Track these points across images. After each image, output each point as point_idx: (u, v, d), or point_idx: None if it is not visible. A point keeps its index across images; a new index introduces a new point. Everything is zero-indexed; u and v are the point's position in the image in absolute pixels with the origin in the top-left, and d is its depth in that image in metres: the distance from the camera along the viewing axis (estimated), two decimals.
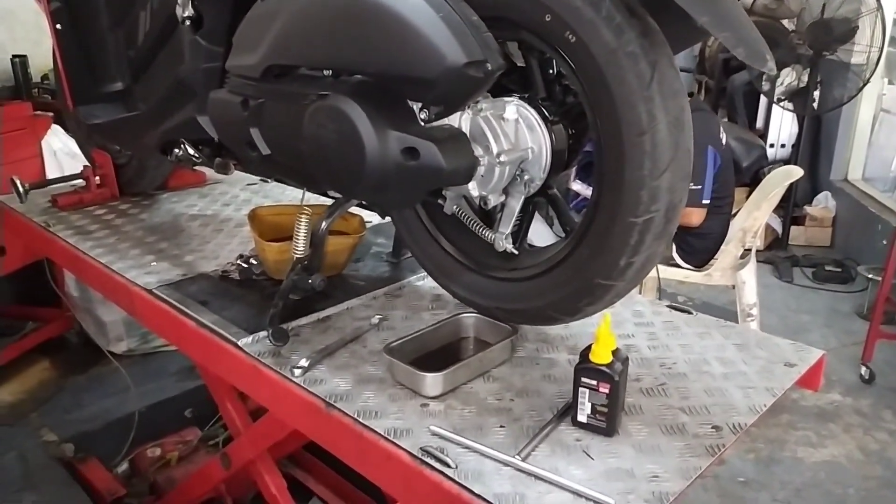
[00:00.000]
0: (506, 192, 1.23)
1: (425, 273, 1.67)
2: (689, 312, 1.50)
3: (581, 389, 1.07)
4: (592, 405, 1.07)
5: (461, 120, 1.16)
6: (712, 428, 1.11)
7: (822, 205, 4.96)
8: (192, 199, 2.36)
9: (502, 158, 1.14)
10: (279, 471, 1.77)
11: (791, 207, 4.66)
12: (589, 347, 1.10)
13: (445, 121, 1.15)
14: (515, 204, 1.23)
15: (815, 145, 5.16)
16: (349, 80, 1.13)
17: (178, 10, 1.42)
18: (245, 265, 1.70)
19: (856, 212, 4.63)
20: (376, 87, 1.10)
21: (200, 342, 1.46)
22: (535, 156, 1.18)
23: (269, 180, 2.63)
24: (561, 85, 1.23)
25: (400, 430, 1.10)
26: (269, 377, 1.29)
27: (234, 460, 1.75)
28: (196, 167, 1.76)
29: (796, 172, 3.27)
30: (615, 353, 1.08)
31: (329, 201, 1.48)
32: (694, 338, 1.39)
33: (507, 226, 1.24)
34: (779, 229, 4.76)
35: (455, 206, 1.32)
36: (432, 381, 1.18)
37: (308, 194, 1.55)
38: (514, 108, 1.16)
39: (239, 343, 1.36)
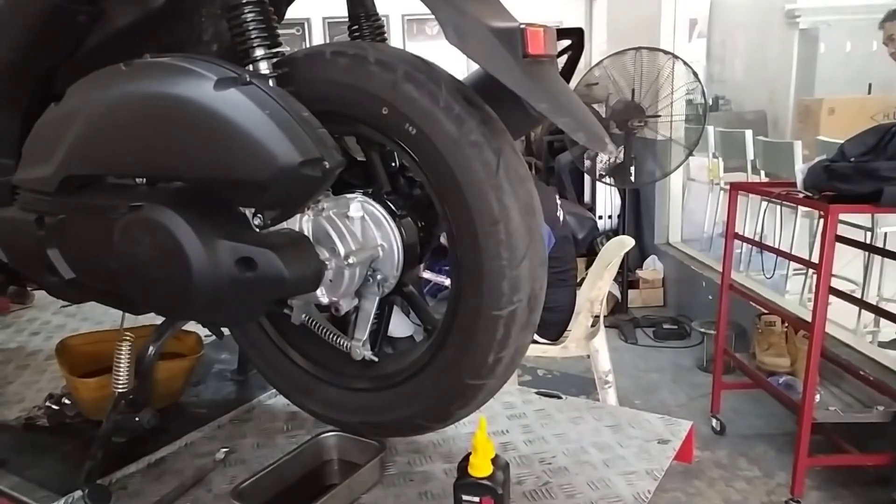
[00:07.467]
0: (358, 294, 1.14)
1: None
2: (559, 397, 1.45)
3: None
4: None
5: (302, 222, 1.06)
6: None
7: (652, 267, 5.35)
8: None
9: (351, 260, 1.05)
10: None
11: (626, 273, 4.97)
12: (466, 458, 1.00)
13: (284, 224, 1.04)
14: (370, 307, 1.14)
15: (637, 214, 5.60)
16: (166, 187, 0.99)
17: None
18: (56, 406, 1.44)
19: (680, 271, 5.02)
20: (200, 194, 0.97)
21: None
22: (386, 253, 1.10)
23: None
24: (405, 177, 1.17)
25: None
26: None
27: None
28: None
29: (628, 242, 3.47)
30: (495, 460, 0.99)
31: (159, 319, 1.29)
32: (568, 424, 1.34)
33: (363, 331, 1.14)
34: (618, 295, 5.04)
35: (304, 315, 1.20)
36: None
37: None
38: (358, 204, 1.09)
39: None
